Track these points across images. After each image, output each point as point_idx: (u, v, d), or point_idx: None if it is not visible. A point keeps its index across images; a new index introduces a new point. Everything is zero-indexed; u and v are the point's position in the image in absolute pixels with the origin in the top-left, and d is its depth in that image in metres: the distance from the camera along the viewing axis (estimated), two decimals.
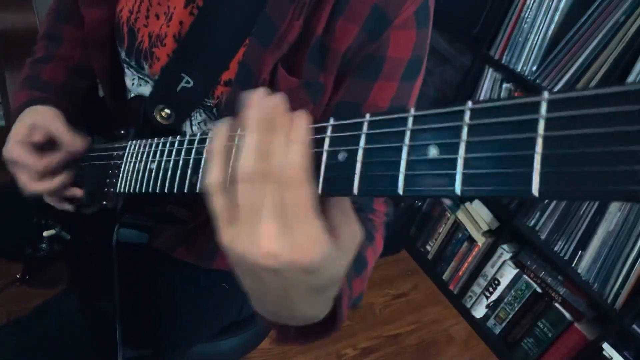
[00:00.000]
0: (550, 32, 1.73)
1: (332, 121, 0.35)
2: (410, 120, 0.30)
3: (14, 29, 1.37)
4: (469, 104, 0.27)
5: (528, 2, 1.76)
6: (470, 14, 2.00)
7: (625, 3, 1.52)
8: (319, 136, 0.35)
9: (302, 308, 0.41)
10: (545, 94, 0.24)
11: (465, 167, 0.27)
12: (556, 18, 1.70)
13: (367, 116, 0.32)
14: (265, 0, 0.63)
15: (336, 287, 0.42)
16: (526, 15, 1.77)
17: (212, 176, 0.38)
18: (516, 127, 0.25)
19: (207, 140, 0.47)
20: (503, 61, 1.87)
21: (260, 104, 0.36)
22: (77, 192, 0.77)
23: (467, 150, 0.27)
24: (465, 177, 0.27)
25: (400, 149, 0.30)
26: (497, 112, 0.26)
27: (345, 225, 0.38)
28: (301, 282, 0.36)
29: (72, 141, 0.75)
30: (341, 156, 0.33)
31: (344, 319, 0.50)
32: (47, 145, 0.75)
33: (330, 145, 0.35)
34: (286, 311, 0.42)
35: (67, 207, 0.80)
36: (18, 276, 0.91)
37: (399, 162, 0.30)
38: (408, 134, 0.29)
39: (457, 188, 0.27)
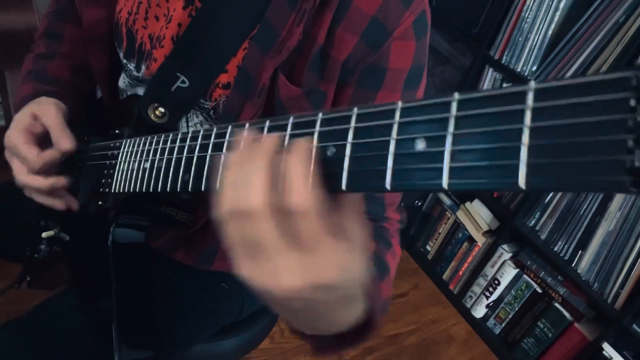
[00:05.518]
0: (550, 32, 1.72)
1: (320, 114, 0.34)
2: (397, 113, 0.30)
3: (14, 29, 1.37)
4: (456, 94, 0.27)
5: (528, 2, 1.76)
6: (470, 14, 2.00)
7: (625, 3, 1.52)
8: (307, 130, 0.35)
9: (337, 317, 0.42)
10: (532, 83, 0.24)
11: (452, 160, 0.26)
12: (556, 18, 1.70)
13: (355, 109, 0.32)
14: (265, 4, 0.63)
15: (361, 285, 0.41)
16: (526, 15, 1.77)
17: (222, 205, 0.36)
18: (503, 118, 0.25)
19: (199, 139, 0.47)
20: (503, 61, 1.86)
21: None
22: (73, 203, 0.76)
23: (454, 143, 0.27)
24: (452, 170, 0.26)
25: (387, 143, 0.30)
26: (484, 103, 0.26)
27: (353, 221, 0.37)
28: (329, 298, 0.36)
29: (62, 139, 0.72)
30: (330, 151, 0.33)
31: (379, 320, 0.50)
32: (46, 138, 0.73)
33: (319, 141, 0.34)
34: (323, 324, 0.43)
35: (58, 204, 0.77)
36: (17, 277, 0.91)
37: (386, 156, 0.29)
38: (395, 127, 0.29)
39: (444, 182, 0.27)
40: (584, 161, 0.22)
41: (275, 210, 0.33)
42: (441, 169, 0.27)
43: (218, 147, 0.43)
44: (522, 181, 0.24)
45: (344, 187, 0.32)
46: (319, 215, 0.33)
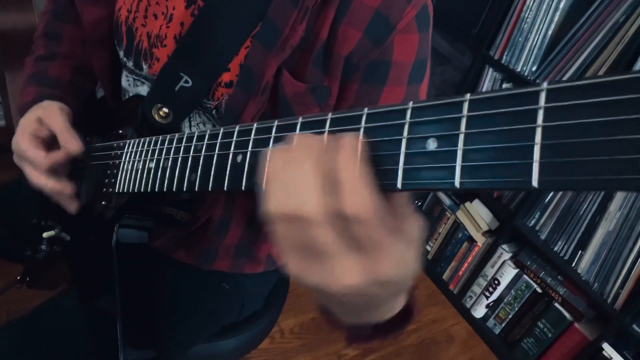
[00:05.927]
0: (550, 32, 1.73)
1: (330, 114, 0.34)
2: (408, 113, 0.30)
3: (14, 29, 1.36)
4: (468, 95, 0.27)
5: (528, 2, 1.76)
6: (470, 14, 2.00)
7: (625, 3, 1.52)
8: (317, 131, 0.35)
9: (386, 309, 0.43)
10: (544, 84, 0.24)
11: (464, 159, 0.27)
12: (556, 18, 1.70)
13: (366, 109, 0.32)
14: (267, 2, 0.63)
15: (412, 277, 0.40)
16: (526, 15, 1.77)
17: (271, 205, 0.34)
18: (515, 118, 0.25)
19: (206, 138, 0.47)
20: (503, 61, 1.86)
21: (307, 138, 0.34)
22: (73, 206, 0.76)
23: (465, 142, 0.27)
24: (464, 169, 0.26)
25: (399, 142, 0.30)
26: (496, 103, 0.26)
27: (409, 217, 0.35)
28: (385, 292, 0.36)
29: (69, 142, 0.72)
30: None
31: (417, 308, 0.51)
32: (53, 141, 0.74)
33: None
34: (371, 316, 0.43)
35: (71, 207, 0.78)
36: (18, 277, 0.91)
37: (397, 155, 0.29)
38: (406, 126, 0.29)
39: (456, 181, 0.27)
40: (596, 160, 0.22)
41: (330, 216, 0.31)
42: (453, 167, 0.27)
43: (225, 147, 0.43)
44: (535, 180, 0.24)
45: None
46: (378, 220, 0.31)
